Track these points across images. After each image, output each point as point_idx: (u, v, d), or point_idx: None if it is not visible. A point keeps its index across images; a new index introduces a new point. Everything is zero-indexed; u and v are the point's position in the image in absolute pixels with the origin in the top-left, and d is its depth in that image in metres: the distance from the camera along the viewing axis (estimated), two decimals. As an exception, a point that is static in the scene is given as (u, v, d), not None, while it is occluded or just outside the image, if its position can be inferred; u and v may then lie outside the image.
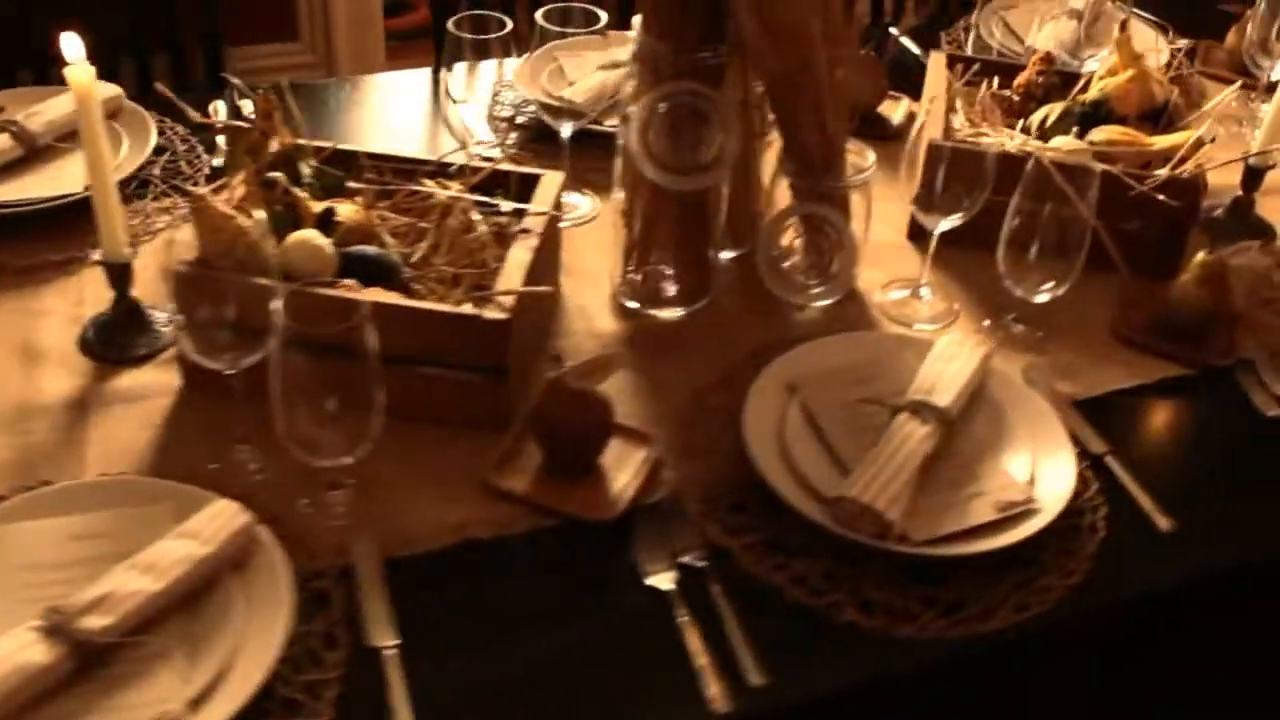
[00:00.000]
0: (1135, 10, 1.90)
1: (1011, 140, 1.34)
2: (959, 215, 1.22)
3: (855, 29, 1.15)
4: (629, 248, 1.21)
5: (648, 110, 1.05)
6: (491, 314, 1.01)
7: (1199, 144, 1.31)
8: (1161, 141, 1.34)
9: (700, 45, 1.06)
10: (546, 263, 1.16)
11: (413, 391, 1.05)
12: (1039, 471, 1.04)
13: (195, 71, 1.85)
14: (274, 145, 1.17)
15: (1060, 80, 1.47)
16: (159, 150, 1.41)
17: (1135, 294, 1.29)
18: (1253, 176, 1.44)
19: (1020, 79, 1.46)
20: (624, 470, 1.04)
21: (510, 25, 1.32)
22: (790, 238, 1.24)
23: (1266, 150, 1.38)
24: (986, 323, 1.26)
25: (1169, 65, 1.76)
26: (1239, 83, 1.41)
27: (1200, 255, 1.24)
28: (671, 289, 1.23)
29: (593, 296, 1.25)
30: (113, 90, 1.42)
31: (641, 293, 1.22)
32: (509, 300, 1.02)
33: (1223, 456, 1.15)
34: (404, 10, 3.53)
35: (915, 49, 1.78)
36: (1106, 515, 1.04)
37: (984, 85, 1.46)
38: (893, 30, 1.83)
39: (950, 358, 1.11)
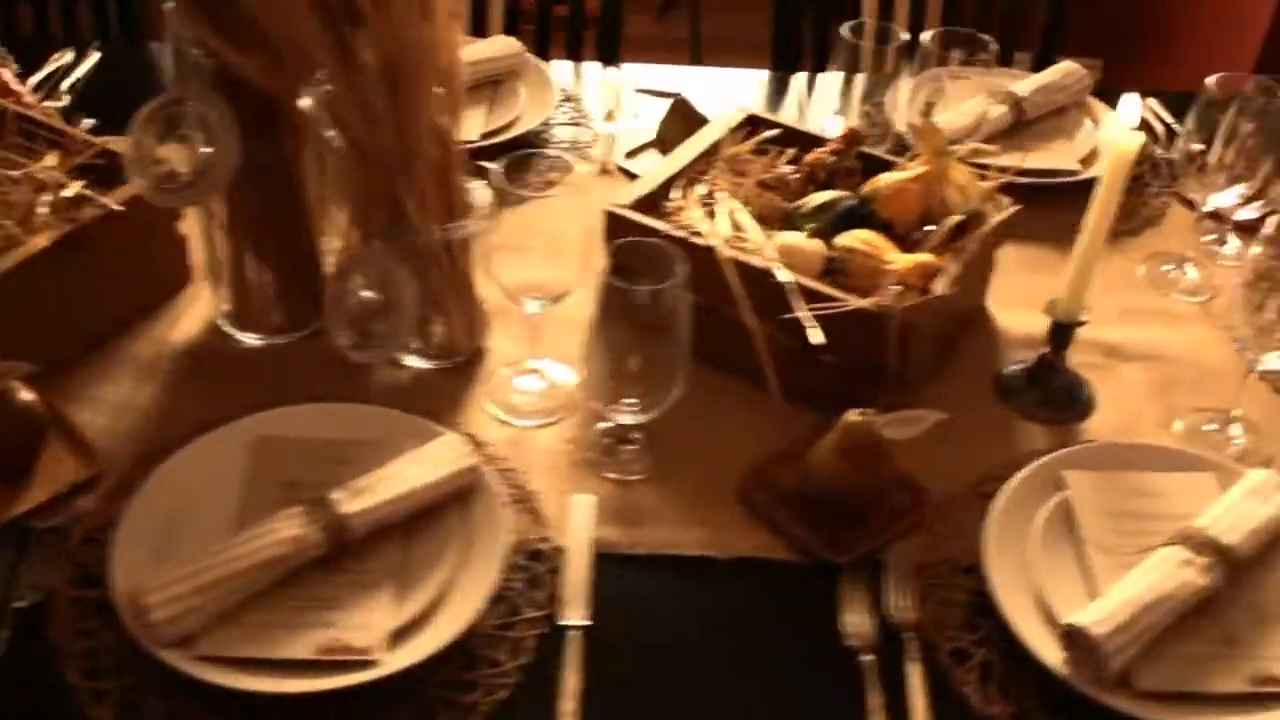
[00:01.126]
0: (1151, 105, 1.51)
1: (708, 226, 1.08)
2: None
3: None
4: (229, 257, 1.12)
5: (148, 114, 0.96)
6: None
7: (926, 270, 1.01)
8: (900, 261, 1.05)
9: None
10: (121, 257, 1.07)
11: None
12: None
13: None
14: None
15: (862, 166, 1.18)
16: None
17: (794, 445, 1.02)
18: (1060, 331, 1.09)
19: (810, 156, 1.19)
20: (47, 487, 0.96)
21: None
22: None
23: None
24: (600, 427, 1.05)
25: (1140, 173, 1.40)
26: (960, 217, 1.06)
27: (849, 415, 0.96)
28: (273, 313, 1.12)
29: (207, 307, 1.15)
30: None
31: (240, 313, 1.13)
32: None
33: (723, 686, 0.86)
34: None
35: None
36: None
37: (769, 157, 1.21)
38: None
39: (436, 463, 0.93)
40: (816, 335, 0.96)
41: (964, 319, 1.18)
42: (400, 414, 1.00)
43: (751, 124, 1.25)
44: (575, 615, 0.89)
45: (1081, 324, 1.07)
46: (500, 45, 1.48)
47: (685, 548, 0.95)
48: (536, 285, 1.05)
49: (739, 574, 0.94)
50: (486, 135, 1.36)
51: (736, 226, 1.11)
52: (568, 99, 1.49)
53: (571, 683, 0.84)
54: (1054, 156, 1.39)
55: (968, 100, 1.43)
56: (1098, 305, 1.23)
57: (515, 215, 1.01)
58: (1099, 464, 0.99)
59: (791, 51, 1.75)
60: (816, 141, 1.22)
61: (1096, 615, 0.83)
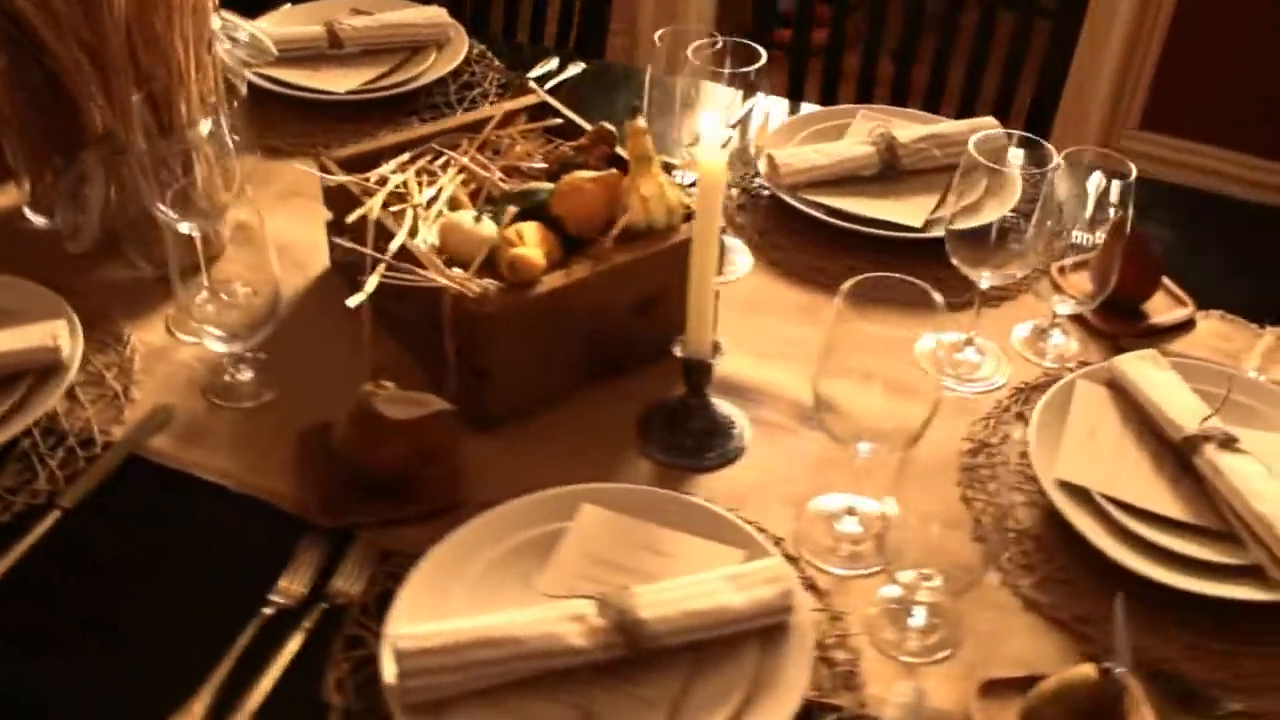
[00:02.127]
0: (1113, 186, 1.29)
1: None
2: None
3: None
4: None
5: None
6: None
7: (518, 264, 0.94)
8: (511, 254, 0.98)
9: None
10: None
11: None
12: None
13: None
14: None
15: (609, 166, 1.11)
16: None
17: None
18: (690, 370, 0.97)
19: (560, 150, 1.14)
20: None
21: None
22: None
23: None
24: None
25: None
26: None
27: (366, 386, 0.92)
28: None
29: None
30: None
31: (34, 199, 1.24)
32: None
33: (136, 599, 0.89)
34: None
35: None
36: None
37: (536, 144, 1.17)
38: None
39: (25, 340, 1.01)
40: (354, 299, 0.95)
41: (652, 341, 1.07)
42: (58, 300, 1.09)
43: (542, 111, 1.24)
44: (63, 500, 0.95)
45: (709, 364, 0.97)
46: (427, 14, 1.54)
47: (207, 472, 0.98)
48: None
49: (242, 510, 0.96)
50: (356, 91, 1.43)
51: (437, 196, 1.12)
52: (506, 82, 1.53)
53: (17, 552, 0.90)
54: (899, 209, 1.24)
55: (844, 139, 1.32)
56: (847, 364, 1.10)
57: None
58: (630, 508, 0.90)
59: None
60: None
61: (413, 631, 0.77)
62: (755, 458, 1.01)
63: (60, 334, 1.03)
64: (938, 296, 0.83)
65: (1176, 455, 0.96)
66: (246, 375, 1.06)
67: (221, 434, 1.03)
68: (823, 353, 0.87)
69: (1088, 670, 0.72)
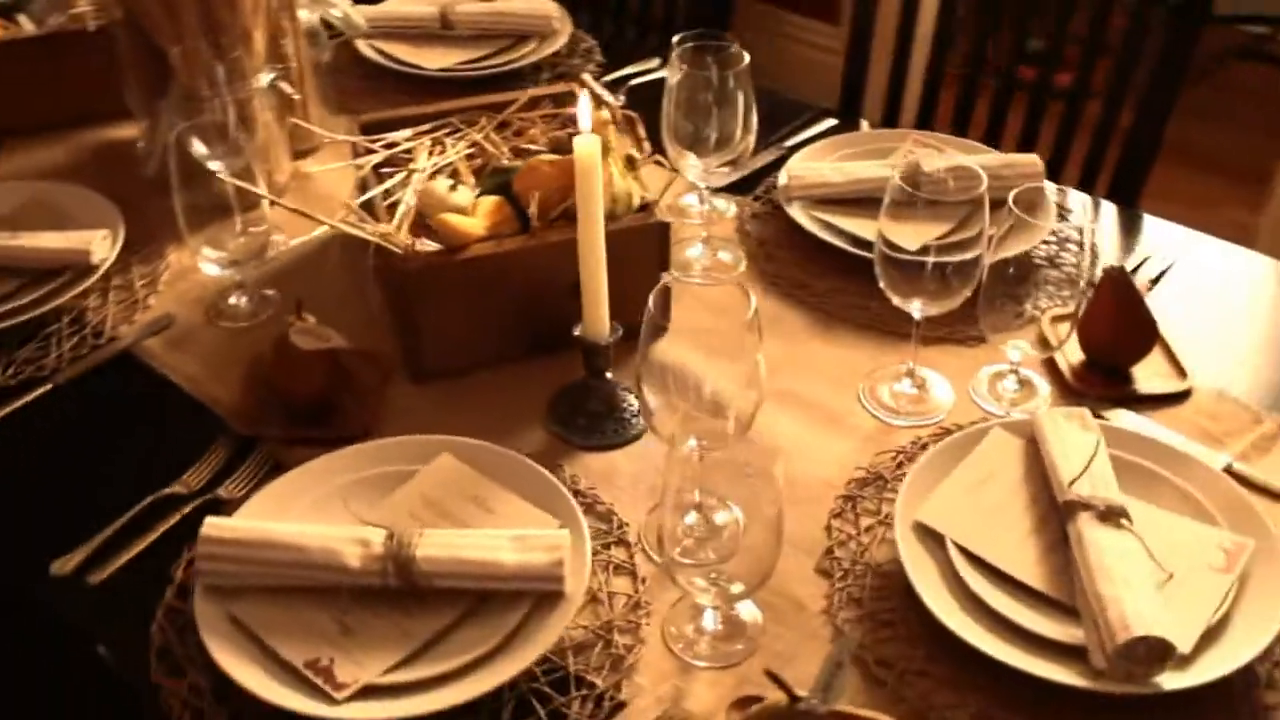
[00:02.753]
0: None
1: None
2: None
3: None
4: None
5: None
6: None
7: (446, 231, 0.99)
8: (455, 221, 1.03)
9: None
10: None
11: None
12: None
13: None
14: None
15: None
16: None
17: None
18: (587, 353, 0.97)
19: (561, 133, 1.18)
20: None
21: None
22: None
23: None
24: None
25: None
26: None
27: (289, 318, 1.01)
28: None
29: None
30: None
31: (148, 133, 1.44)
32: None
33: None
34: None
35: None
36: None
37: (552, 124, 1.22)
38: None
39: (64, 239, 1.18)
40: (297, 239, 1.04)
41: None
42: (115, 214, 1.26)
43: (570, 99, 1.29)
44: (59, 377, 1.11)
45: (603, 346, 0.98)
46: (535, 4, 1.63)
47: (176, 375, 1.12)
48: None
49: (188, 410, 1.08)
50: (448, 69, 1.54)
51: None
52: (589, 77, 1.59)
53: (3, 411, 1.08)
54: (898, 231, 1.19)
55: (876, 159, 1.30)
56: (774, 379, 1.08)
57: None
58: (484, 465, 0.95)
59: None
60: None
61: (221, 522, 0.85)
62: (644, 446, 1.03)
63: (96, 242, 1.20)
64: (753, 300, 0.82)
65: (1060, 521, 0.88)
66: (242, 301, 1.20)
67: (205, 346, 1.16)
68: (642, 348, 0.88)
69: (783, 700, 0.69)
